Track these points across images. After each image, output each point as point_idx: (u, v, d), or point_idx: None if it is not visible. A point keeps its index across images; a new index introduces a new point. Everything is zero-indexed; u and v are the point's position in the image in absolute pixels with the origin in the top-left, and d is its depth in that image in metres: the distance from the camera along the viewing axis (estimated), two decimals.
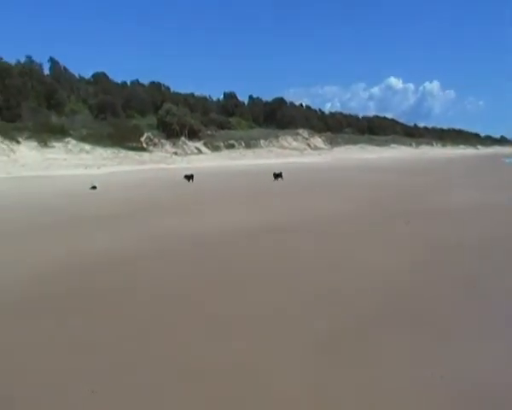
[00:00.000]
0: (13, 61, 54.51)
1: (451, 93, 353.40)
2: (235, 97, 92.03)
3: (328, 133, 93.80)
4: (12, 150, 39.34)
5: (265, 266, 9.06)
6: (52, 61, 67.97)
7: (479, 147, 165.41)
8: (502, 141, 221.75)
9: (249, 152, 62.25)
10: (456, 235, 11.57)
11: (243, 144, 65.23)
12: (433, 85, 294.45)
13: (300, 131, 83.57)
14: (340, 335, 5.93)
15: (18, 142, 40.86)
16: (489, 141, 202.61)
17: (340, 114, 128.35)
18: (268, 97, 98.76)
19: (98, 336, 6.03)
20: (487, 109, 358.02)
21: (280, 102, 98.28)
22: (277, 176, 28.85)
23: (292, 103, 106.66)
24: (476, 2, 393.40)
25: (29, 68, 55.39)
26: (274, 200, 19.14)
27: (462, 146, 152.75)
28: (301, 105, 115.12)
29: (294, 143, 76.63)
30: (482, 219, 14.22)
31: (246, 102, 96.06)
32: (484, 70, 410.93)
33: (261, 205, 17.49)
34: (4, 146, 39.27)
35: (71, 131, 47.00)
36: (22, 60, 57.08)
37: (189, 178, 27.94)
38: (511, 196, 19.90)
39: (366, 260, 9.23)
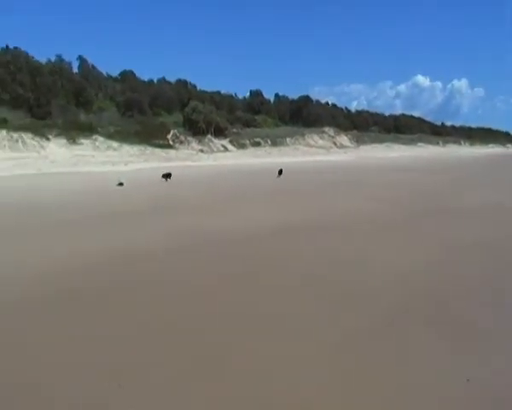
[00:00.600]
0: (44, 60, 55.54)
1: (480, 91, 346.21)
2: (261, 95, 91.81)
3: (355, 131, 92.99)
4: (42, 147, 40.04)
5: (282, 264, 9.02)
6: (81, 59, 68.87)
7: (508, 146, 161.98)
8: None
9: (275, 150, 62.03)
10: (474, 234, 11.44)
11: (269, 142, 65.07)
12: (462, 83, 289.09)
13: (326, 129, 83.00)
14: (356, 334, 5.84)
15: (48, 139, 41.56)
16: None
17: (367, 112, 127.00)
18: (294, 96, 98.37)
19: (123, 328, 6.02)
20: None
21: (306, 100, 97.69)
22: (280, 172, 30.09)
23: (318, 101, 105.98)
24: (505, 3, 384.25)
25: (59, 67, 56.21)
26: (297, 198, 19.00)
27: (491, 145, 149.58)
28: (327, 103, 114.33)
29: (320, 142, 76.15)
30: (501, 219, 13.92)
31: (272, 100, 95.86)
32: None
33: (287, 202, 17.39)
34: (35, 143, 40.00)
35: (99, 129, 47.56)
36: (53, 59, 57.99)
37: (167, 176, 25.64)
38: None
39: (384, 260, 9.15)
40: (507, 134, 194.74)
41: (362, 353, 5.41)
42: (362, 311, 6.60)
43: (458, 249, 10.00)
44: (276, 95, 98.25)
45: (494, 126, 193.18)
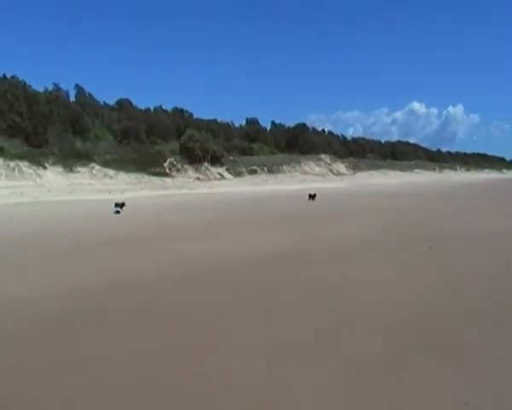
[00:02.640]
0: (41, 89, 55.83)
1: (476, 117, 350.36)
2: (258, 123, 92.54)
3: (351, 158, 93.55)
4: (39, 175, 39.92)
5: (281, 289, 8.92)
6: (78, 87, 69.43)
7: (504, 171, 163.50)
8: None
9: (271, 177, 62.17)
10: (472, 261, 11.36)
11: (266, 170, 65.25)
12: (457, 110, 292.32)
13: (323, 156, 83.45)
14: (357, 362, 5.72)
15: (44, 167, 41.48)
16: None
17: (363, 139, 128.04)
18: (290, 123, 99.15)
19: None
20: None
21: (302, 127, 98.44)
22: (312, 197, 30.68)
23: (314, 129, 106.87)
24: (499, 27, 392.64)
25: (56, 95, 56.50)
26: (299, 225, 18.91)
27: (486, 170, 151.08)
28: (323, 131, 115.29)
29: (317, 169, 76.45)
30: (500, 245, 13.87)
31: (268, 127, 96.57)
32: (509, 93, 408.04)
33: (287, 230, 17.28)
34: (32, 171, 39.88)
35: (95, 157, 47.58)
36: (50, 87, 58.33)
37: (121, 206, 23.28)
38: None
39: (385, 286, 9.05)
40: (502, 159, 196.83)
41: (357, 380, 5.31)
42: (360, 337, 6.60)
43: (456, 275, 9.93)
44: (273, 122, 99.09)
45: (489, 152, 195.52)
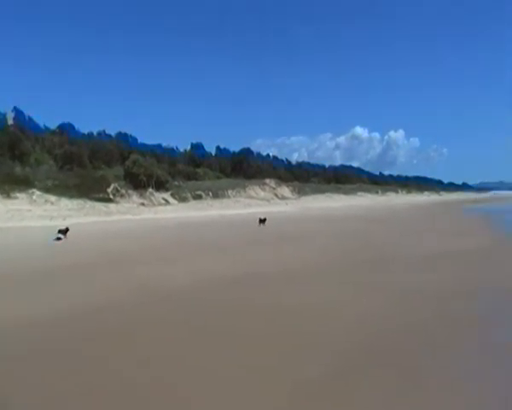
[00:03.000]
0: None
1: (416, 141, 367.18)
2: (203, 148, 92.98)
3: (296, 183, 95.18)
4: None
5: (234, 314, 8.98)
6: (16, 110, 67.42)
7: (442, 193, 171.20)
8: (464, 187, 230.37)
9: (217, 202, 62.27)
10: (417, 282, 11.78)
11: (211, 195, 65.30)
12: (398, 134, 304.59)
13: (268, 181, 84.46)
14: (317, 384, 5.88)
15: None
16: (452, 187, 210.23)
17: (307, 163, 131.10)
18: (235, 148, 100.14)
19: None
20: (451, 157, 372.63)
21: (247, 152, 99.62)
22: (262, 221, 30.26)
23: (259, 154, 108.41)
24: (436, 56, 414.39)
25: None
26: (252, 249, 19.06)
27: (426, 193, 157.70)
28: (268, 155, 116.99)
29: (262, 193, 77.22)
30: (445, 266, 14.43)
31: (213, 152, 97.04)
32: (446, 118, 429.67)
33: (241, 254, 17.41)
34: None
35: (35, 182, 46.13)
36: None
37: (65, 232, 23.17)
38: (469, 243, 20.31)
39: (342, 308, 9.25)
40: (440, 182, 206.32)
41: (317, 402, 5.47)
42: (322, 359, 6.70)
43: (406, 297, 10.26)
44: (218, 147, 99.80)
45: (428, 175, 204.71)
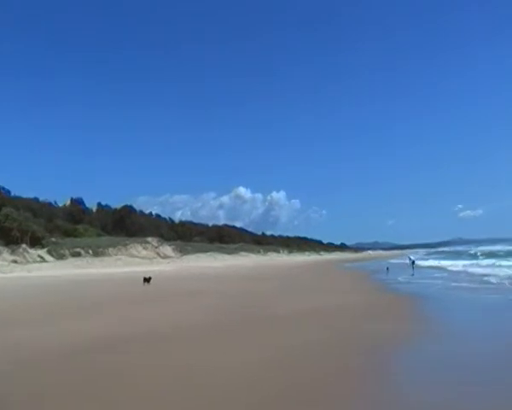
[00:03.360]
0: None
1: (297, 203, 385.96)
2: (83, 204, 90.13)
3: (178, 241, 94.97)
4: None
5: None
6: None
7: (322, 253, 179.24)
8: (342, 247, 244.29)
9: (96, 260, 60.38)
10: (296, 338, 12.33)
11: (90, 252, 63.22)
12: (280, 195, 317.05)
13: (150, 239, 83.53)
14: None
15: None
16: (331, 248, 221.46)
17: (190, 222, 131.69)
18: (117, 205, 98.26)
19: None
20: (329, 218, 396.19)
21: (129, 209, 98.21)
22: (147, 280, 30.02)
23: (141, 211, 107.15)
24: (321, 120, 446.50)
25: None
26: (130, 309, 18.93)
27: (306, 253, 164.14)
28: (151, 213, 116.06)
29: (144, 252, 76.10)
30: (317, 323, 15.24)
31: (94, 209, 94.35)
32: (326, 181, 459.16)
33: (115, 314, 17.26)
34: None
35: None
36: None
37: None
38: (346, 300, 21.80)
39: (211, 367, 9.46)
40: (320, 243, 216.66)
41: None
42: None
43: (298, 352, 10.57)
44: (99, 204, 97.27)
45: (309, 236, 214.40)
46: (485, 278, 29.35)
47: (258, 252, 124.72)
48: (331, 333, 12.91)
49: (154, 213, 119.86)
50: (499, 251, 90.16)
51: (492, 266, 45.02)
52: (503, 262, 49.55)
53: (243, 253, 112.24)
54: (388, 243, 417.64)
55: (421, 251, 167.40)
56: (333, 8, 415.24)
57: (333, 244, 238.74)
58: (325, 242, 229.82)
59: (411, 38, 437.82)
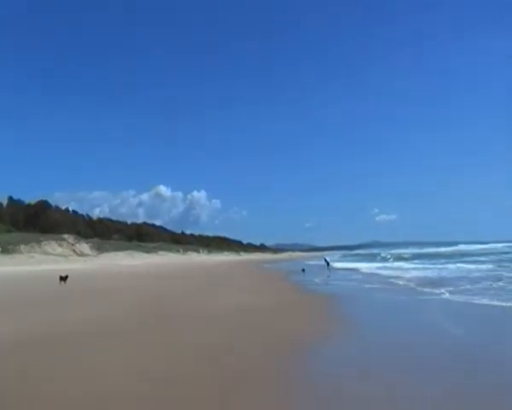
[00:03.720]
0: None
1: (218, 203, 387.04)
2: None
3: (96, 239, 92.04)
4: None
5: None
6: None
7: (241, 253, 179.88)
8: (262, 248, 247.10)
9: (7, 258, 57.08)
10: (227, 339, 12.38)
11: (0, 249, 59.75)
12: (201, 195, 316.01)
13: (66, 236, 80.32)
14: None
15: None
16: (251, 248, 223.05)
17: (109, 219, 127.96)
18: (31, 200, 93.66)
19: None
20: (249, 219, 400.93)
21: (44, 205, 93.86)
22: (64, 279, 28.82)
23: (57, 207, 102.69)
24: (237, 127, 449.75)
25: None
26: (44, 308, 18.19)
27: (226, 252, 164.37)
28: (67, 209, 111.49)
29: (59, 249, 72.99)
30: (238, 322, 15.41)
31: (5, 203, 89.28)
32: (247, 182, 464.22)
33: (37, 314, 16.52)
34: None
35: None
36: None
37: None
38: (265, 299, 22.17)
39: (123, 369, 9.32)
40: (240, 243, 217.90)
41: None
42: None
43: (212, 354, 10.55)
44: (10, 198, 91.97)
45: (229, 236, 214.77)
46: (393, 280, 30.91)
47: (178, 251, 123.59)
48: (243, 332, 13.14)
49: (70, 209, 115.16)
50: (406, 254, 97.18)
51: (401, 268, 47.64)
52: (410, 265, 53.29)
53: (162, 252, 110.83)
54: (307, 244, 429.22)
55: (339, 253, 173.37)
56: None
57: (252, 245, 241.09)
58: (245, 242, 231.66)
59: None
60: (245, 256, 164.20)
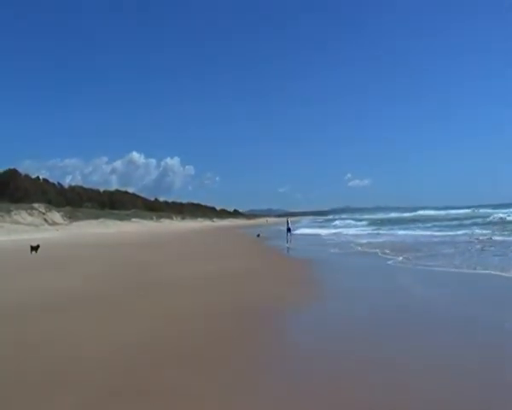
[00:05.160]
0: None
1: (191, 169, 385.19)
2: None
3: (68, 207, 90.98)
4: None
5: None
6: None
7: (215, 219, 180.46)
8: (235, 214, 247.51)
9: None
10: (192, 304, 12.81)
11: None
12: (174, 161, 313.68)
13: (36, 205, 79.21)
14: None
15: None
16: (224, 214, 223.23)
17: (81, 187, 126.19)
18: None
19: None
20: (223, 185, 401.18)
21: (13, 173, 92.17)
22: (35, 249, 28.81)
23: (27, 175, 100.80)
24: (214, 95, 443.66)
25: None
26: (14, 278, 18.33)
27: (200, 219, 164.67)
28: (38, 178, 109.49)
29: (29, 219, 72.13)
30: (214, 288, 15.83)
31: None
32: (220, 147, 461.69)
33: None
34: None
35: None
36: None
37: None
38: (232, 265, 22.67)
39: (104, 335, 9.67)
40: (213, 209, 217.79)
41: None
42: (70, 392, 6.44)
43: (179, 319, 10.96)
44: None
45: (202, 202, 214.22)
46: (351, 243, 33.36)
47: (151, 218, 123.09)
48: (220, 297, 13.61)
49: (41, 177, 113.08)
50: (364, 219, 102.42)
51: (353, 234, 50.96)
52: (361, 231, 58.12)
53: (135, 219, 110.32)
54: (281, 209, 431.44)
55: (309, 218, 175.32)
56: None
57: (226, 211, 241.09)
58: (218, 208, 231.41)
59: None
60: (218, 222, 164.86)
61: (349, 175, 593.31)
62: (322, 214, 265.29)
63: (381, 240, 37.21)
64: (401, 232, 48.50)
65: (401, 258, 22.13)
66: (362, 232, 54.73)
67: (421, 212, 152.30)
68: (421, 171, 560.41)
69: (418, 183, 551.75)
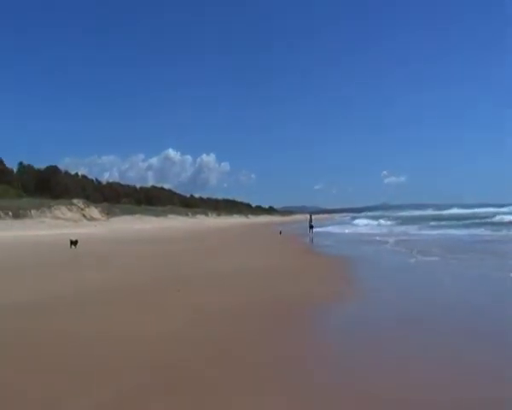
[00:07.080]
0: None
1: (227, 165, 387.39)
2: (3, 163, 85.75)
3: (105, 203, 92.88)
4: None
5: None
6: None
7: (249, 216, 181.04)
8: (270, 211, 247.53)
9: (18, 223, 58.12)
10: (220, 300, 12.70)
11: (11, 215, 60.74)
12: (210, 158, 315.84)
13: (75, 201, 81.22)
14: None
15: None
16: (259, 211, 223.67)
17: (118, 183, 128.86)
18: (41, 165, 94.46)
19: None
20: (258, 181, 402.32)
21: (54, 170, 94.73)
22: (74, 243, 29.46)
23: (67, 172, 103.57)
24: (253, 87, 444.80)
25: None
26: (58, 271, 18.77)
27: (235, 215, 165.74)
28: (77, 174, 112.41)
29: (69, 214, 74.02)
30: (245, 284, 15.73)
31: (15, 169, 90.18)
32: (256, 145, 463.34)
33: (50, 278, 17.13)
34: None
35: None
36: None
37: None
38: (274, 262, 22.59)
39: (137, 331, 9.60)
40: (248, 205, 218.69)
41: None
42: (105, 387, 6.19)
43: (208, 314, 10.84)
44: (21, 163, 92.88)
45: (238, 198, 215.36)
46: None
47: (187, 215, 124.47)
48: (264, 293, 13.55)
49: (80, 174, 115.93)
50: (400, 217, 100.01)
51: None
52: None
53: (171, 215, 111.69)
54: (316, 207, 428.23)
55: (347, 215, 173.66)
56: None
57: (261, 207, 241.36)
58: (254, 205, 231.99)
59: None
60: (253, 219, 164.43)
61: (385, 172, 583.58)
62: (357, 211, 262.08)
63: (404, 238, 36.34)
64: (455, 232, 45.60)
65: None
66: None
67: (455, 210, 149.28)
68: (460, 167, 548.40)
69: (454, 180, 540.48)
